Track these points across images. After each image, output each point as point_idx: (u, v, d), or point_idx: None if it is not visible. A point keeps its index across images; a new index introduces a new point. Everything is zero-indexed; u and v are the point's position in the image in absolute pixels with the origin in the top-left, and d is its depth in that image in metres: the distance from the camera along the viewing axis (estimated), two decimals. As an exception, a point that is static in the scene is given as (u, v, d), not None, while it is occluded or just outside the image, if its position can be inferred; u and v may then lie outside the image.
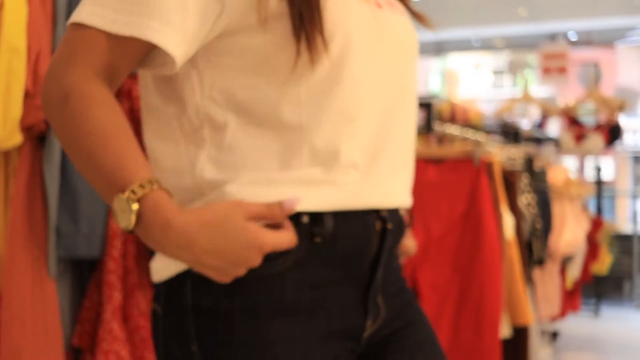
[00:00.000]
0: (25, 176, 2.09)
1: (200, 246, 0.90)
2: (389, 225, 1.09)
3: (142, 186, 0.89)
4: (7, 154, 2.12)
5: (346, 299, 1.06)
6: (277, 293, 1.00)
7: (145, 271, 2.25)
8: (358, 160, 1.04)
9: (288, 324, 1.00)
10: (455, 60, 11.83)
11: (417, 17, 1.24)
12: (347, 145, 1.03)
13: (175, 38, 0.94)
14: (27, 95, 2.03)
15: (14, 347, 2.05)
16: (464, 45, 10.89)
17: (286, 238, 0.95)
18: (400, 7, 1.18)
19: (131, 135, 0.95)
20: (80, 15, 0.95)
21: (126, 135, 0.94)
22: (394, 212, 1.12)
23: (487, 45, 10.83)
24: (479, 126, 4.71)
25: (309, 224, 1.01)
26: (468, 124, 4.56)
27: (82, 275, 2.30)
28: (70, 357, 2.27)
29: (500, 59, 11.04)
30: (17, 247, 2.07)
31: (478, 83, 11.70)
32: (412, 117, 1.18)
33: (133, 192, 0.89)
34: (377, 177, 1.08)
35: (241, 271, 0.94)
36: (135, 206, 0.89)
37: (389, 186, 1.11)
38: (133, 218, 0.89)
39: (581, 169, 7.86)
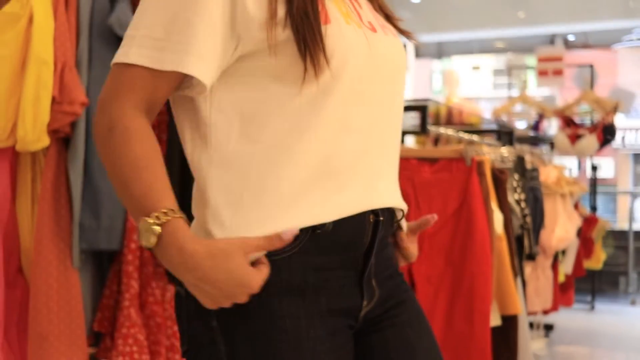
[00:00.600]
0: (51, 175, 2.28)
1: (202, 273, 1.06)
2: (381, 218, 1.25)
3: (165, 213, 1.07)
4: (34, 155, 2.31)
5: (344, 282, 1.23)
6: (285, 275, 1.16)
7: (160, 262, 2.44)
8: (352, 167, 1.21)
9: (294, 302, 1.17)
10: (456, 62, 11.97)
11: (406, 34, 1.41)
12: (343, 155, 1.20)
13: (207, 69, 1.12)
14: (54, 102, 2.22)
15: (41, 332, 2.24)
16: (465, 48, 11.03)
17: (266, 271, 1.12)
18: (391, 29, 1.35)
19: (162, 169, 1.13)
20: (128, 56, 1.13)
21: (157, 169, 1.12)
22: (386, 208, 1.28)
23: (487, 47, 10.96)
24: (475, 127, 4.87)
25: None
26: (465, 125, 4.72)
27: (102, 266, 2.49)
28: (91, 341, 2.46)
29: (500, 60, 11.17)
30: (43, 241, 2.26)
31: (478, 84, 11.82)
32: (399, 127, 1.35)
33: (157, 217, 1.07)
34: (370, 182, 1.24)
35: (227, 304, 1.11)
36: (157, 229, 1.06)
37: (381, 189, 1.27)
38: (154, 239, 1.06)
39: (584, 167, 7.96)
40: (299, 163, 1.17)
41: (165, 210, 1.07)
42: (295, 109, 1.17)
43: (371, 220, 1.24)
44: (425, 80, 13.12)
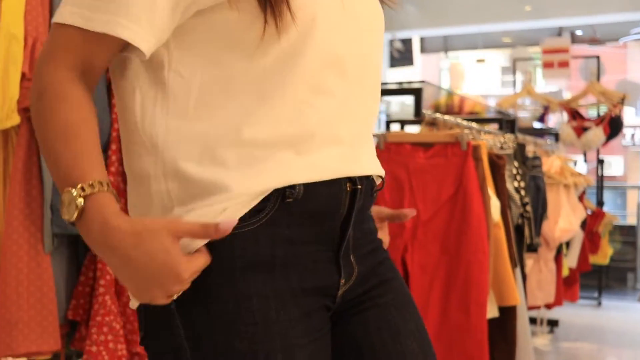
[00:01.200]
0: (22, 155, 2.19)
1: (124, 251, 0.96)
2: (359, 186, 1.14)
3: (91, 185, 0.97)
4: (6, 134, 2.22)
5: (319, 257, 1.11)
6: (251, 249, 1.04)
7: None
8: (326, 132, 1.10)
9: (262, 280, 1.05)
10: (463, 58, 11.87)
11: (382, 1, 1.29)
12: (315, 118, 1.08)
13: (142, 33, 1.01)
14: (24, 79, 2.13)
15: (10, 318, 2.15)
16: (471, 43, 10.92)
17: (202, 261, 1.00)
18: None
19: (93, 138, 1.03)
20: (62, 15, 1.02)
21: (88, 138, 1.02)
22: (364, 176, 1.16)
23: (494, 42, 10.85)
24: (477, 115, 4.75)
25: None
26: (466, 114, 4.60)
27: (78, 252, 2.39)
28: (66, 330, 2.36)
29: (507, 57, 11.07)
30: (14, 223, 2.17)
31: (485, 81, 11.72)
32: (377, 91, 1.23)
33: (82, 189, 0.97)
34: (347, 147, 1.13)
35: (153, 293, 0.98)
36: (80, 202, 0.96)
37: (359, 156, 1.16)
38: (76, 212, 0.97)
39: (594, 164, 7.82)
40: (265, 128, 1.05)
41: (91, 182, 0.98)
42: (260, 72, 1.05)
43: (348, 188, 1.13)
44: (433, 78, 13.04)
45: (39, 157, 2.20)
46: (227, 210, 1.03)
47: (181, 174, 1.06)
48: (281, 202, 1.06)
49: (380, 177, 1.24)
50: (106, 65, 1.07)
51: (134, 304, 1.14)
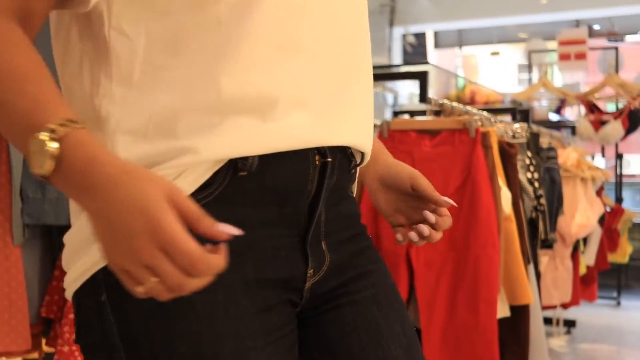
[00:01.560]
0: (-11, 140, 2.03)
1: (113, 188, 0.75)
2: (329, 159, 0.96)
3: (63, 125, 0.77)
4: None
5: (281, 243, 0.95)
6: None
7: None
8: (295, 95, 0.92)
9: None
10: (477, 53, 11.68)
11: None
12: (280, 77, 0.91)
13: None
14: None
15: (-23, 316, 1.99)
16: (486, 37, 10.74)
17: (217, 259, 0.75)
18: None
19: (49, 77, 0.83)
20: None
21: (43, 77, 0.82)
22: (339, 149, 0.99)
23: (509, 37, 10.66)
24: (489, 105, 4.55)
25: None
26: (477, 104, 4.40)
27: (53, 244, 2.23)
28: (40, 327, 2.20)
29: (522, 51, 10.87)
30: (-19, 213, 2.01)
31: (500, 75, 11.51)
32: (363, 49, 1.05)
33: (53, 130, 0.77)
34: (319, 114, 0.95)
35: (123, 253, 0.74)
36: (54, 145, 0.76)
37: (335, 124, 0.98)
38: (51, 160, 0.76)
39: (614, 163, 7.60)
40: (223, 90, 0.88)
41: (62, 122, 0.77)
42: (214, 22, 0.88)
43: (317, 162, 0.95)
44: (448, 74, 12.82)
45: (8, 141, 2.03)
46: None
47: (120, 150, 0.88)
48: (233, 175, 0.88)
49: (362, 152, 1.05)
50: (45, 13, 0.89)
51: (69, 293, 0.97)
